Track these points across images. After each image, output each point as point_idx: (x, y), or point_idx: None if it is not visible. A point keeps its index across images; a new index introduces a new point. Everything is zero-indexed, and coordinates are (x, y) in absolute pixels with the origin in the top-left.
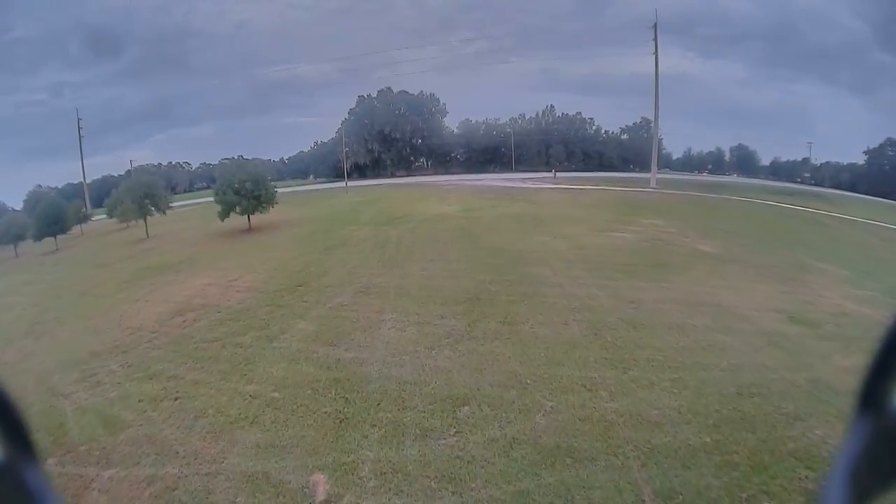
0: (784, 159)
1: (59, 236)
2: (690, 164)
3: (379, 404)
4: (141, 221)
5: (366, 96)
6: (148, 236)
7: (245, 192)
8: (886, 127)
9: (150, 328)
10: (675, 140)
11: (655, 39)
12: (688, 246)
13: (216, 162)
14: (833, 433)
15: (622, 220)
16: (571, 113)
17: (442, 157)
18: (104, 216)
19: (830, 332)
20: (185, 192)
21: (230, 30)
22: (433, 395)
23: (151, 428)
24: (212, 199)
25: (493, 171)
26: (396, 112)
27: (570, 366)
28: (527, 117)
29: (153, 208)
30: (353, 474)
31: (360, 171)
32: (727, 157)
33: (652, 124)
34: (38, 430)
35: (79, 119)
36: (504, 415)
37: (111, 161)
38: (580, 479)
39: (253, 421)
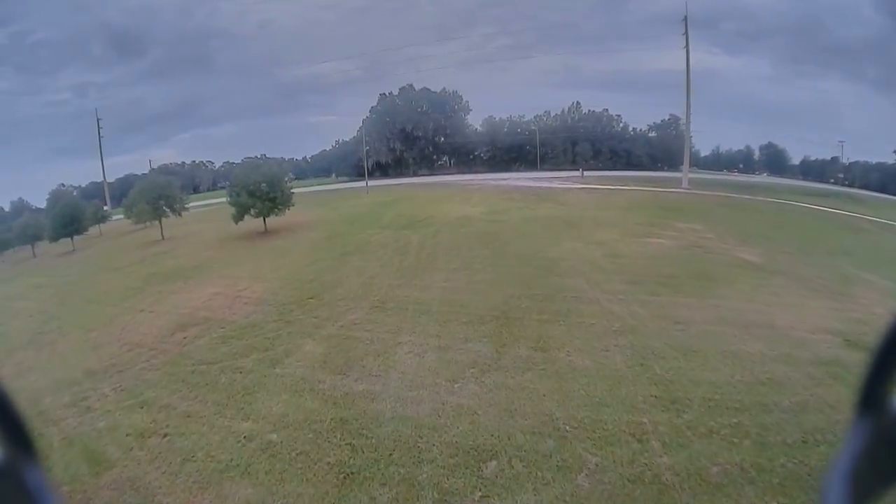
0: (813, 158)
1: (75, 237)
2: (719, 162)
3: (391, 455)
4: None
5: (387, 94)
6: (163, 238)
7: (260, 193)
8: None
9: (149, 344)
10: (702, 137)
11: (686, 33)
12: (729, 254)
13: (239, 161)
14: None
15: (657, 224)
16: (598, 110)
17: (465, 156)
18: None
19: None
20: (207, 190)
21: (253, 30)
22: (455, 445)
23: (137, 470)
24: None
25: (517, 170)
26: (418, 110)
27: (616, 407)
28: (552, 114)
29: (168, 210)
30: None
31: (381, 169)
32: (756, 155)
33: (681, 122)
34: None
35: (98, 119)
36: (539, 473)
37: (135, 160)
38: None
39: (245, 470)
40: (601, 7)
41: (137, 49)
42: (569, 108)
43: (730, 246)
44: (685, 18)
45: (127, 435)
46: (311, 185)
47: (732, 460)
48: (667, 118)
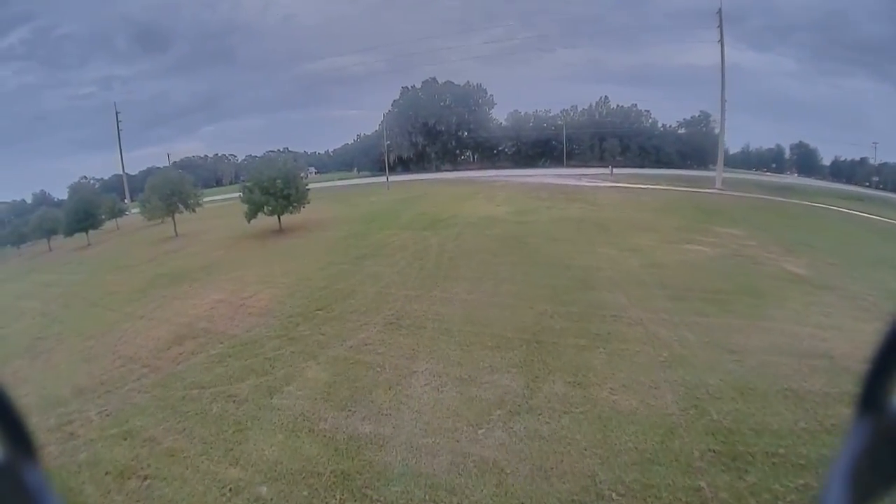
0: (843, 158)
1: (91, 231)
2: (748, 160)
3: None
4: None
5: (410, 87)
6: (176, 235)
7: (274, 190)
8: None
9: (142, 359)
10: (731, 135)
11: (721, 26)
12: (775, 265)
13: (261, 154)
14: None
15: (695, 229)
16: (626, 105)
17: (489, 151)
18: None
19: None
20: (230, 183)
21: (276, 24)
22: None
23: None
24: None
25: (543, 166)
26: (441, 103)
27: (670, 466)
28: (579, 109)
29: (181, 205)
30: None
31: (403, 164)
32: (787, 154)
33: (712, 119)
34: None
35: (117, 112)
36: None
37: (159, 152)
38: None
39: None
40: (625, 0)
41: (161, 43)
42: (596, 103)
43: (774, 255)
44: (719, 11)
45: (106, 473)
46: (332, 180)
47: None
48: (697, 115)
